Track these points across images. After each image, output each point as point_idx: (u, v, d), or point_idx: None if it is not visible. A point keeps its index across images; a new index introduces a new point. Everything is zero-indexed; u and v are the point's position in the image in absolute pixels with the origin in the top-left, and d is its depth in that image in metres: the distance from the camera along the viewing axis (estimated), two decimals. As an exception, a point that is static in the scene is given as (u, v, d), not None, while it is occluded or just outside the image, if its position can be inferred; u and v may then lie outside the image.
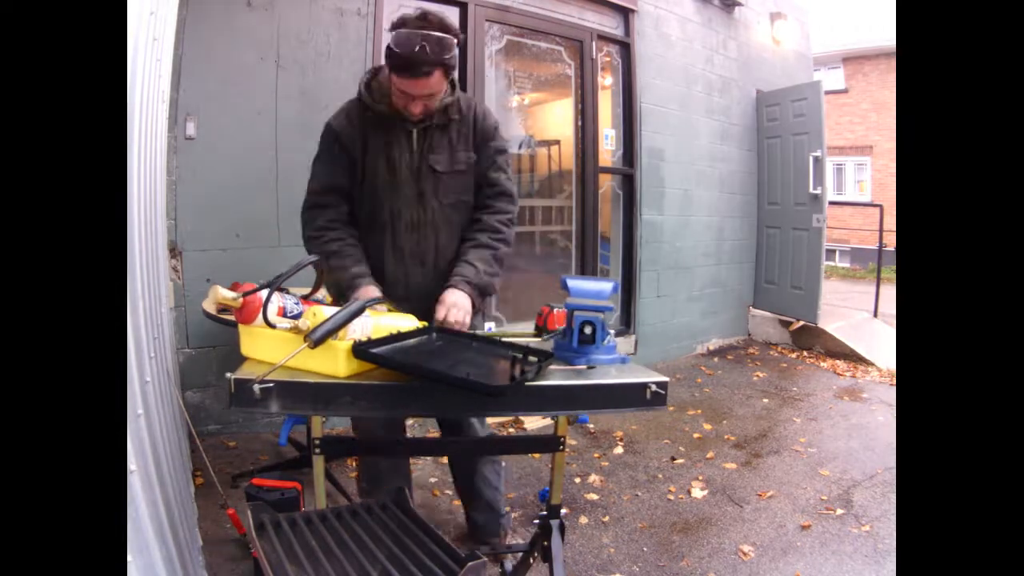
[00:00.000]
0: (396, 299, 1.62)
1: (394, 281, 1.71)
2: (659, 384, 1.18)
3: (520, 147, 4.42)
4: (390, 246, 1.70)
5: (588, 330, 1.29)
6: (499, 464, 2.01)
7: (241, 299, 1.16)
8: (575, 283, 1.36)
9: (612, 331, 1.36)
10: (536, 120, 4.81)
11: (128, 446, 0.81)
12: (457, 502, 2.38)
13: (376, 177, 1.67)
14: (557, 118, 4.36)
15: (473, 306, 1.64)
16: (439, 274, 1.70)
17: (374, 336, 1.20)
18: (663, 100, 4.42)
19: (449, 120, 1.68)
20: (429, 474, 2.58)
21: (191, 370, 2.73)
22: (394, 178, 1.66)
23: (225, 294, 1.14)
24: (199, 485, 2.25)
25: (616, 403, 1.24)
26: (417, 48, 1.45)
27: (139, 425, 1.00)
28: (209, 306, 2.18)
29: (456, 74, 1.70)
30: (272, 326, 1.15)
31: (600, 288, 1.35)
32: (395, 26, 1.49)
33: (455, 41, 1.50)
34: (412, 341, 1.26)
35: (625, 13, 4.23)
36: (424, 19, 1.48)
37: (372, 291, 1.56)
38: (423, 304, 1.62)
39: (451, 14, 3.41)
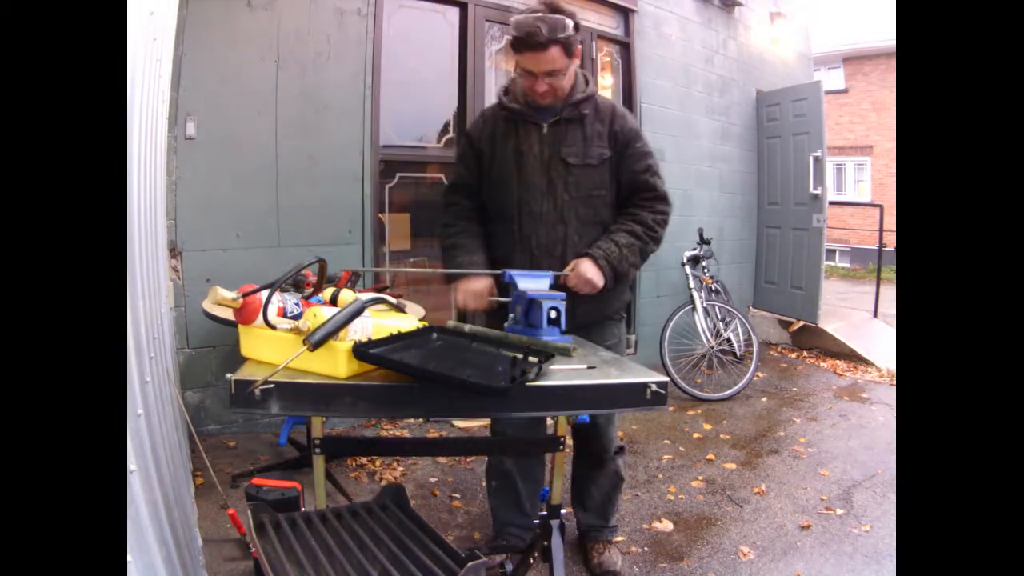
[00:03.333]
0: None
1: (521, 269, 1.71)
2: (659, 384, 1.18)
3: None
4: (517, 236, 1.74)
5: (554, 314, 1.39)
6: (618, 476, 1.99)
7: (241, 299, 1.16)
8: (520, 278, 1.50)
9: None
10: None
11: (128, 446, 0.81)
12: (458, 503, 2.38)
13: (504, 168, 1.74)
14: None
15: (602, 290, 1.68)
16: (563, 265, 1.72)
17: (374, 337, 1.20)
18: (663, 100, 4.42)
19: (582, 115, 1.73)
20: (429, 474, 2.57)
21: (191, 370, 2.74)
22: (522, 169, 1.72)
23: (225, 294, 1.14)
24: (199, 485, 2.25)
25: (617, 403, 1.24)
26: (532, 25, 1.56)
27: (139, 425, 1.00)
28: (209, 306, 2.18)
29: (584, 72, 1.83)
30: (272, 327, 1.15)
31: (541, 281, 1.51)
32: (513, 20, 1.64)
33: (569, 22, 1.60)
34: (412, 341, 1.26)
35: (625, 13, 4.23)
36: (543, 5, 1.62)
37: (467, 285, 1.70)
38: None
39: (451, 14, 3.42)
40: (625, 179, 1.76)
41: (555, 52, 1.59)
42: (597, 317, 1.79)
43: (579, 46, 1.68)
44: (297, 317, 1.18)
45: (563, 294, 1.44)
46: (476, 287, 1.70)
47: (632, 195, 1.77)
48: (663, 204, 1.78)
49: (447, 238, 1.80)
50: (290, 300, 1.21)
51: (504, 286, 1.59)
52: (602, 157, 1.73)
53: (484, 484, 2.11)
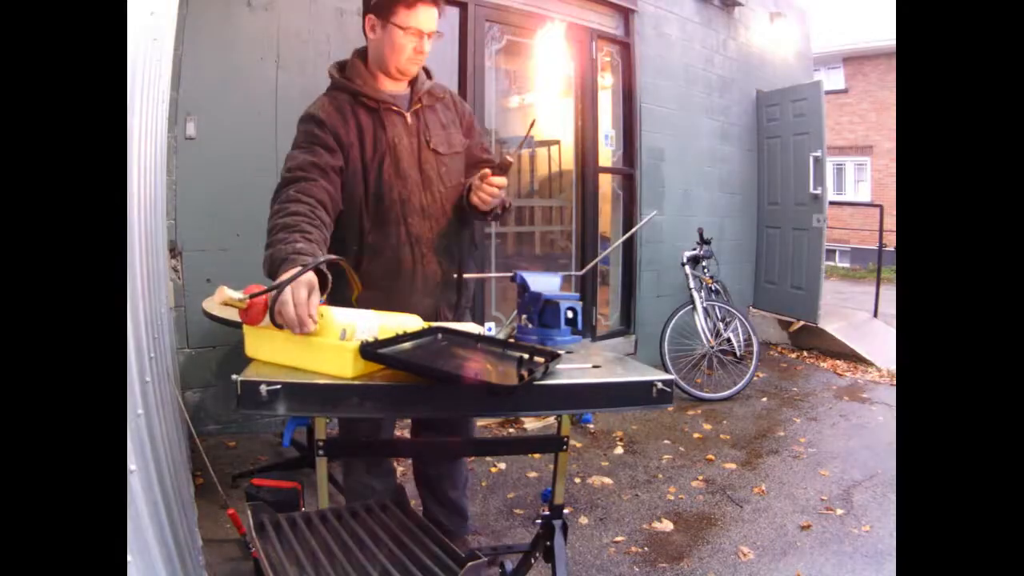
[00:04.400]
0: (407, 293, 1.58)
1: (411, 273, 1.61)
2: (665, 382, 1.19)
3: (520, 147, 4.43)
4: (405, 236, 1.59)
5: (571, 315, 1.39)
6: (463, 464, 1.93)
7: (247, 300, 1.16)
8: (532, 278, 1.48)
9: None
10: (536, 120, 4.78)
11: (128, 446, 0.81)
12: (457, 502, 2.38)
13: (380, 166, 1.56)
14: (557, 118, 4.37)
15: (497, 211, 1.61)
16: (451, 263, 1.65)
17: (380, 336, 1.20)
18: (663, 100, 4.42)
19: (435, 100, 1.66)
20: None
21: (191, 370, 2.73)
22: (398, 162, 1.57)
23: (231, 294, 1.14)
24: (199, 485, 2.25)
25: (623, 402, 1.24)
26: None
27: (139, 425, 1.00)
28: (214, 306, 2.18)
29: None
30: (279, 326, 1.15)
31: (552, 280, 1.50)
32: None
33: None
34: (418, 341, 1.26)
35: (625, 13, 4.23)
36: None
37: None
38: (433, 299, 1.62)
39: (451, 14, 3.42)
40: (471, 156, 1.71)
41: (436, 12, 1.53)
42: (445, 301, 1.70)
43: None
44: None
45: (578, 295, 1.43)
46: (305, 293, 1.12)
47: (474, 169, 1.65)
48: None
49: (285, 215, 1.35)
50: None
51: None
52: (463, 144, 1.68)
53: (475, 480, 2.12)
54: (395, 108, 1.58)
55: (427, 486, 1.89)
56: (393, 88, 1.61)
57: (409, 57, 1.55)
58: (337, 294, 1.28)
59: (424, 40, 1.54)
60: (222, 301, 1.14)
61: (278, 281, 1.12)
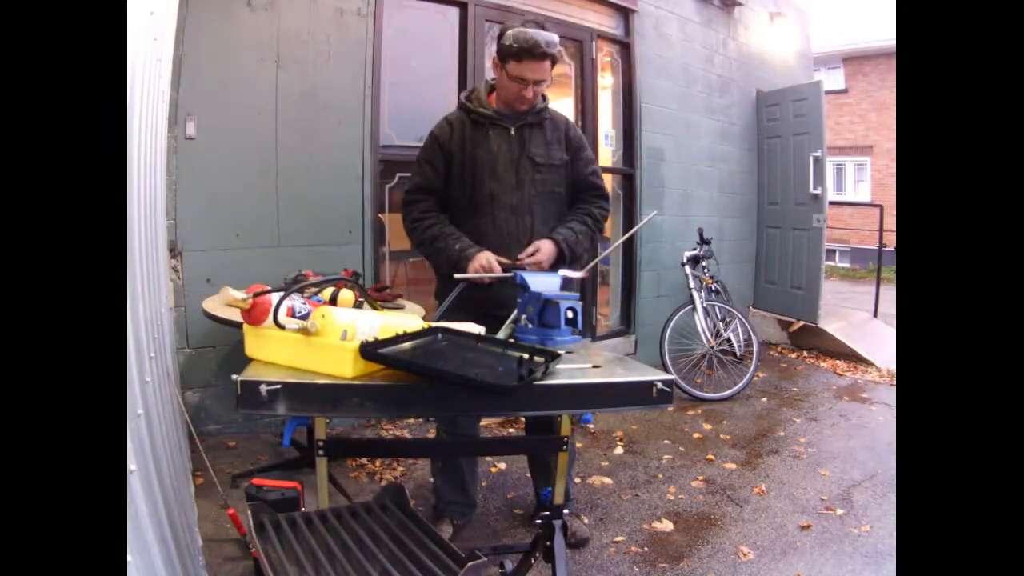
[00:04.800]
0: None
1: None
2: (665, 382, 1.19)
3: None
4: (490, 226, 1.91)
5: (571, 314, 1.42)
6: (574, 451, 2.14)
7: (251, 300, 1.16)
8: (531, 279, 1.54)
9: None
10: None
11: (128, 446, 0.81)
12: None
13: (478, 166, 1.90)
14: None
15: (556, 264, 1.86)
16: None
17: (380, 336, 1.20)
18: (663, 100, 4.42)
19: (543, 120, 1.96)
20: (429, 474, 2.57)
21: (191, 370, 2.73)
22: (495, 167, 1.90)
23: (235, 295, 1.14)
24: (199, 485, 2.25)
25: (623, 401, 1.24)
26: (535, 37, 1.77)
27: (139, 425, 1.00)
28: (218, 306, 2.18)
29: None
30: (282, 327, 1.15)
31: (552, 280, 1.55)
32: (505, 29, 1.83)
33: (557, 38, 1.83)
34: (418, 341, 1.26)
35: (625, 13, 4.23)
36: (533, 21, 1.84)
37: (484, 257, 1.81)
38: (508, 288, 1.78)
39: (451, 14, 3.42)
40: (575, 179, 2.02)
41: (548, 64, 1.83)
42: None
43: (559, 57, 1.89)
44: (305, 317, 1.18)
45: (578, 294, 1.49)
46: (487, 260, 1.81)
47: (581, 192, 2.04)
48: (606, 202, 2.08)
49: (426, 230, 1.90)
50: (297, 301, 1.21)
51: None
52: (562, 159, 1.98)
53: (430, 470, 2.25)
54: (499, 123, 1.92)
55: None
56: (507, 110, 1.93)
57: (517, 99, 1.88)
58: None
59: (531, 87, 1.84)
60: (226, 302, 1.14)
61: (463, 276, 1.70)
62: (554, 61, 1.84)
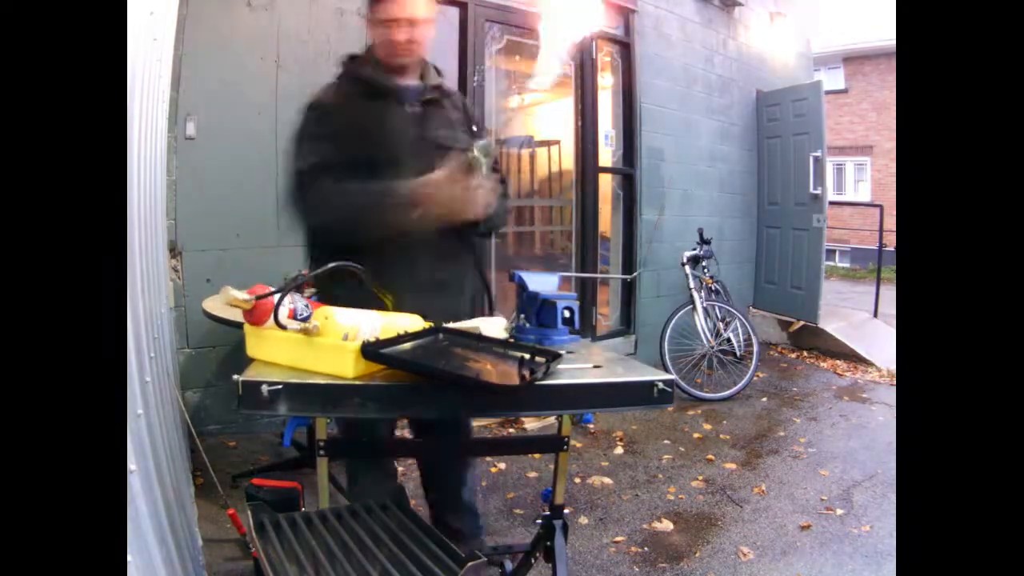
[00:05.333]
0: (398, 290, 1.44)
1: (400, 268, 1.52)
2: (666, 382, 1.19)
3: (520, 147, 4.43)
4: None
5: (568, 314, 1.40)
6: (472, 463, 1.89)
7: (253, 301, 1.16)
8: (529, 279, 1.48)
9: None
10: (536, 120, 4.80)
11: (128, 446, 0.81)
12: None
13: (375, 153, 1.52)
14: (557, 118, 4.37)
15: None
16: (444, 260, 1.58)
17: (381, 336, 1.20)
18: (663, 100, 4.42)
19: (443, 96, 1.63)
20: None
21: (191, 370, 2.73)
22: (396, 151, 1.53)
23: (237, 295, 1.14)
24: (199, 485, 2.25)
25: (623, 402, 1.24)
26: None
27: (139, 425, 1.00)
28: (218, 306, 2.18)
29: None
30: (283, 327, 1.15)
31: (549, 280, 1.50)
32: None
33: None
34: (419, 341, 1.26)
35: (625, 13, 4.23)
36: None
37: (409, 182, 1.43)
38: (424, 295, 1.50)
39: (451, 14, 3.42)
40: None
41: None
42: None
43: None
44: (307, 319, 1.18)
45: (575, 294, 1.44)
46: (454, 175, 1.42)
47: None
48: (504, 185, 1.66)
49: (351, 193, 1.46)
50: (300, 302, 1.21)
51: None
52: (466, 144, 1.57)
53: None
54: (394, 96, 1.57)
55: (440, 492, 1.83)
56: (401, 81, 1.59)
57: (389, 49, 1.53)
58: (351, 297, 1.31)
59: (402, 27, 1.49)
60: (227, 301, 1.14)
61: (295, 282, 1.19)
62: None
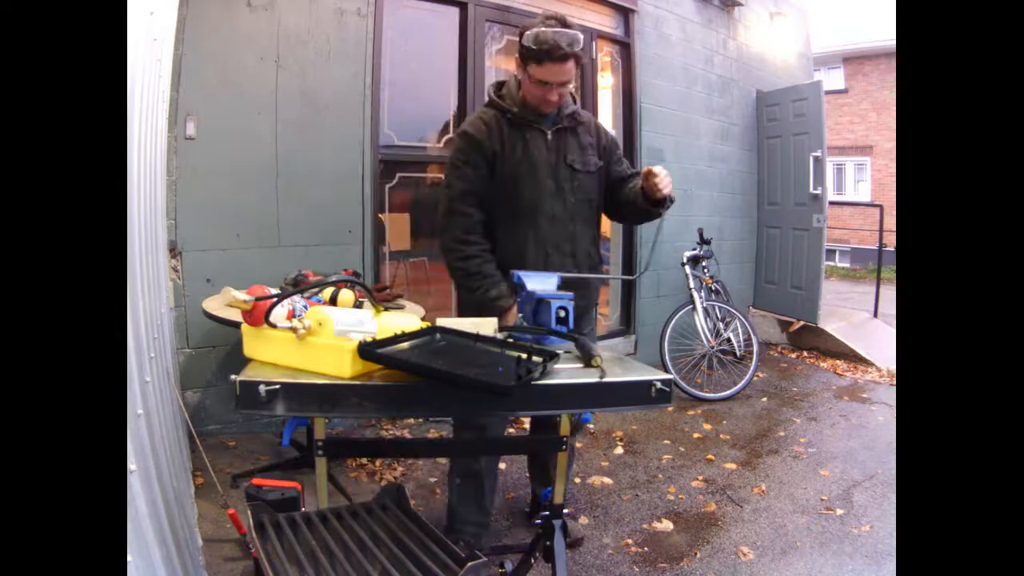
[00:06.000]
0: None
1: (535, 268, 1.79)
2: (664, 382, 1.19)
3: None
4: (532, 236, 1.83)
5: (562, 314, 1.42)
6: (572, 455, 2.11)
7: (252, 302, 1.16)
8: (528, 278, 1.53)
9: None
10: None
11: (128, 446, 0.81)
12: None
13: (517, 173, 1.81)
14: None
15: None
16: (575, 261, 1.88)
17: (379, 336, 1.20)
18: (663, 100, 4.42)
19: (577, 124, 1.89)
20: (429, 474, 2.57)
21: (191, 370, 2.73)
22: (534, 174, 1.82)
23: (238, 295, 1.14)
24: (199, 485, 2.25)
25: (621, 401, 1.24)
26: (555, 38, 1.69)
27: (139, 425, 1.00)
28: (218, 306, 2.18)
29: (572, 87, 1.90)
30: (274, 326, 1.15)
31: (548, 281, 1.54)
32: (524, 30, 1.74)
33: (581, 36, 1.74)
34: (416, 341, 1.26)
35: (625, 13, 4.23)
36: (554, 19, 1.74)
37: (513, 315, 1.70)
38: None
39: (451, 14, 3.42)
40: (612, 180, 1.95)
41: (571, 64, 1.74)
42: (583, 303, 1.86)
43: (584, 54, 1.80)
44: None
45: (571, 294, 1.48)
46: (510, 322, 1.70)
47: (621, 184, 1.95)
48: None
49: (466, 260, 1.78)
50: (299, 302, 1.21)
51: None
52: (597, 165, 1.91)
53: (448, 482, 2.08)
54: (535, 125, 1.83)
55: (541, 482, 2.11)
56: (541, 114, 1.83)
57: (542, 102, 1.79)
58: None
59: (554, 89, 1.76)
60: (227, 302, 1.14)
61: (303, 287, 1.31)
62: (579, 61, 1.75)
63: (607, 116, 4.28)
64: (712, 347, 4.02)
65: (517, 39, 1.78)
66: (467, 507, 1.94)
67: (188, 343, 2.73)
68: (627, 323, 4.42)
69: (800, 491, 2.55)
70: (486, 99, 1.92)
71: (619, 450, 2.96)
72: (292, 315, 1.17)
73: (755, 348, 3.99)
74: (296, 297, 1.23)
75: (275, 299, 1.16)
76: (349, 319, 1.18)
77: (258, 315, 1.17)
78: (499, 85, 1.93)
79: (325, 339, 1.13)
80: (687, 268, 4.11)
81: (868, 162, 11.90)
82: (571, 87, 1.82)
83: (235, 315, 1.99)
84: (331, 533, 1.10)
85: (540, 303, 1.45)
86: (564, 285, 1.56)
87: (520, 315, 1.51)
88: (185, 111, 2.63)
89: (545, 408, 1.22)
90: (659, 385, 1.18)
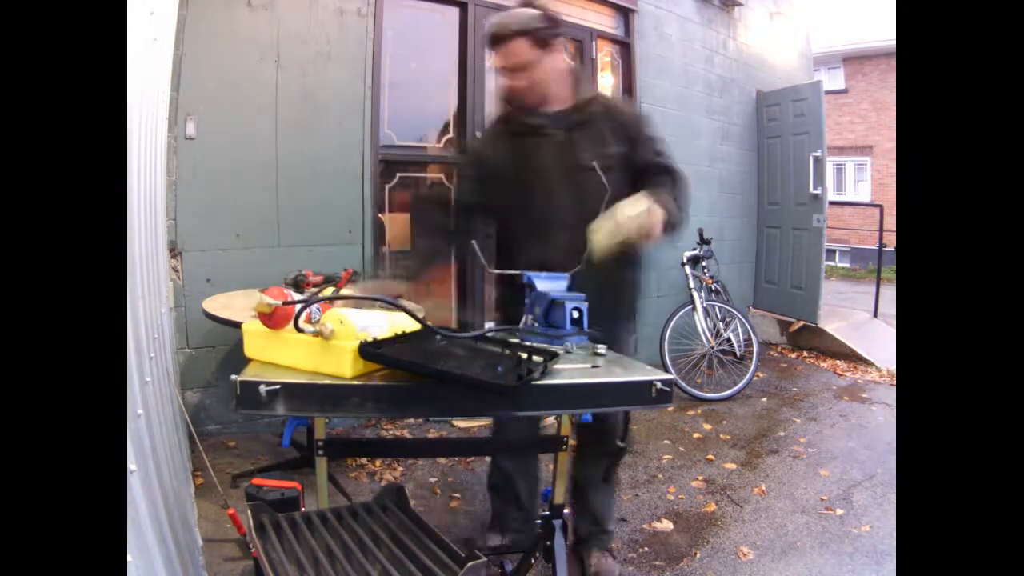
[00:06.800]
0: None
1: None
2: (665, 382, 1.18)
3: None
4: (549, 247, 1.65)
5: (576, 315, 1.39)
6: (613, 476, 2.02)
7: (276, 307, 1.15)
8: (538, 279, 1.50)
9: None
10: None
11: (128, 446, 0.81)
12: (457, 503, 2.38)
13: (527, 183, 1.68)
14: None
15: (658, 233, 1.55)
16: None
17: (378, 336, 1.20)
18: (663, 100, 4.42)
19: (592, 116, 1.69)
20: (429, 474, 2.58)
21: (191, 370, 2.73)
22: (546, 179, 1.68)
23: (264, 299, 1.14)
24: (199, 485, 2.25)
25: (622, 401, 1.24)
26: (500, 19, 1.61)
27: (139, 425, 1.00)
28: (218, 306, 2.18)
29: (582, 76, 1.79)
30: (301, 331, 1.15)
31: (559, 282, 1.50)
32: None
33: (535, 12, 1.59)
34: (417, 341, 1.26)
35: (625, 13, 4.23)
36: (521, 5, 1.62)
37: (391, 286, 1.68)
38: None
39: (451, 14, 3.42)
40: (638, 166, 1.71)
41: (520, 44, 1.58)
42: (611, 316, 1.71)
43: (555, 39, 1.62)
44: (319, 321, 1.17)
45: (584, 295, 1.43)
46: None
47: (644, 172, 1.72)
48: (669, 176, 1.73)
49: (416, 247, 1.76)
50: (313, 306, 1.21)
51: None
52: (618, 152, 1.69)
53: (486, 484, 2.12)
54: (543, 132, 1.68)
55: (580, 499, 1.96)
56: (547, 112, 1.68)
57: (511, 92, 1.67)
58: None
59: (516, 74, 1.62)
60: (256, 307, 1.14)
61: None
62: (536, 39, 1.59)
63: (607, 116, 4.28)
64: (712, 347, 4.02)
65: None
66: (507, 506, 1.97)
67: (188, 343, 2.73)
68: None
69: (800, 491, 2.55)
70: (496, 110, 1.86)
71: (619, 450, 2.96)
72: (309, 318, 1.17)
73: (755, 348, 3.99)
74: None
75: (306, 304, 1.15)
76: (365, 320, 1.18)
77: (281, 319, 1.16)
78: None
79: (343, 340, 1.12)
80: (687, 268, 4.11)
81: (868, 162, 11.90)
82: (546, 69, 1.63)
83: (235, 315, 2.00)
84: (331, 533, 1.10)
85: (553, 304, 1.44)
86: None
87: (530, 316, 1.49)
88: (185, 111, 2.63)
89: (545, 408, 1.22)
90: (660, 385, 1.18)
